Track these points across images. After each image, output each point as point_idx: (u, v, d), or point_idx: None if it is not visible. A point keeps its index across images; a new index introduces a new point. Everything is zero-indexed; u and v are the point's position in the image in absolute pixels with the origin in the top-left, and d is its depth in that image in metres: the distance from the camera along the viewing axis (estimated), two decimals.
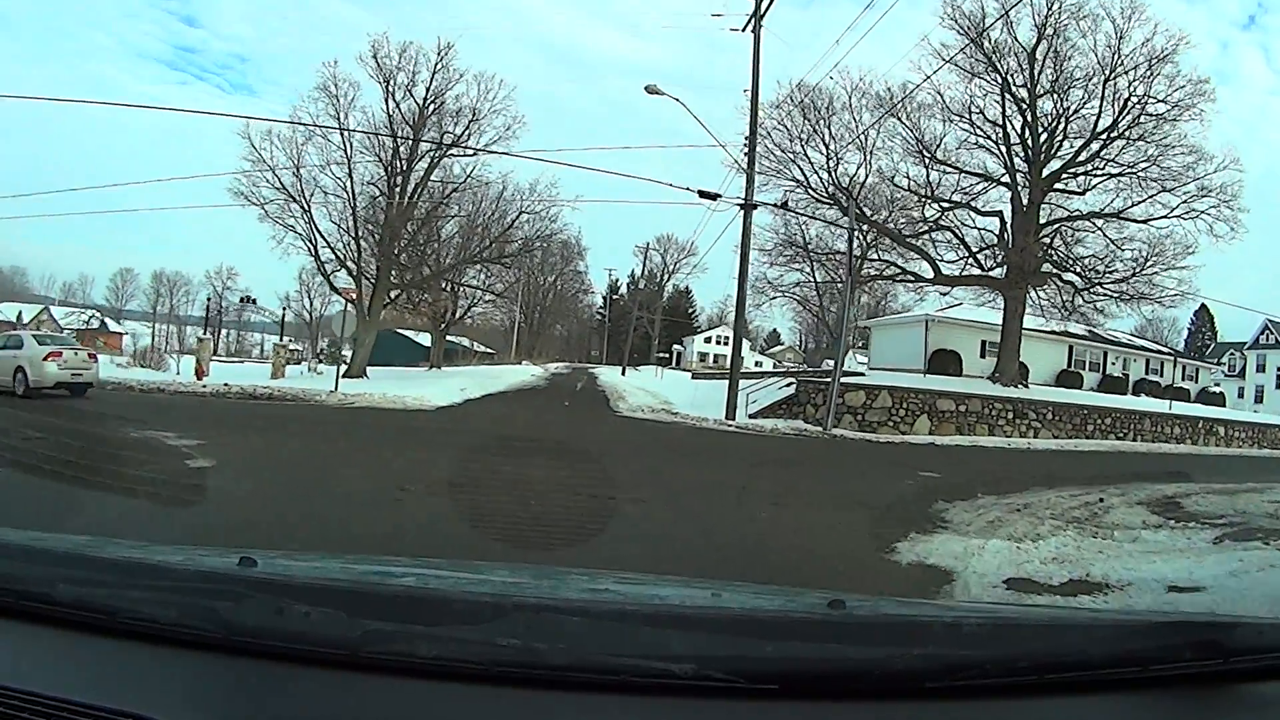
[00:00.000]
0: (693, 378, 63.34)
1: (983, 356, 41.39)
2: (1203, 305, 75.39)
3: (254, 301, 63.21)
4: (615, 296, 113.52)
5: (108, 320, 78.52)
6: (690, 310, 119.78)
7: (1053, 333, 41.43)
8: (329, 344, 60.24)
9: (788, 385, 33.59)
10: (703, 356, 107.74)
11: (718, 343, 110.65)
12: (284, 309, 58.87)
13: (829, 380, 29.11)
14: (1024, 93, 35.73)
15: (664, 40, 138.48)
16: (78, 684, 1.52)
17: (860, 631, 1.79)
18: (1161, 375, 51.12)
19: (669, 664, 1.51)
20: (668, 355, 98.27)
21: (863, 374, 38.36)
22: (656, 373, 73.10)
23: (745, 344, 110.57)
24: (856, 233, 40.91)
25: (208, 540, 6.20)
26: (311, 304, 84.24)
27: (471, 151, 40.79)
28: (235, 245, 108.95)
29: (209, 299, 71.47)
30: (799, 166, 37.33)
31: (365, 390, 28.45)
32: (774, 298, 58.11)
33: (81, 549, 2.06)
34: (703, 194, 30.31)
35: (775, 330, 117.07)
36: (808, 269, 54.69)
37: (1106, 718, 1.61)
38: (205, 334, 41.68)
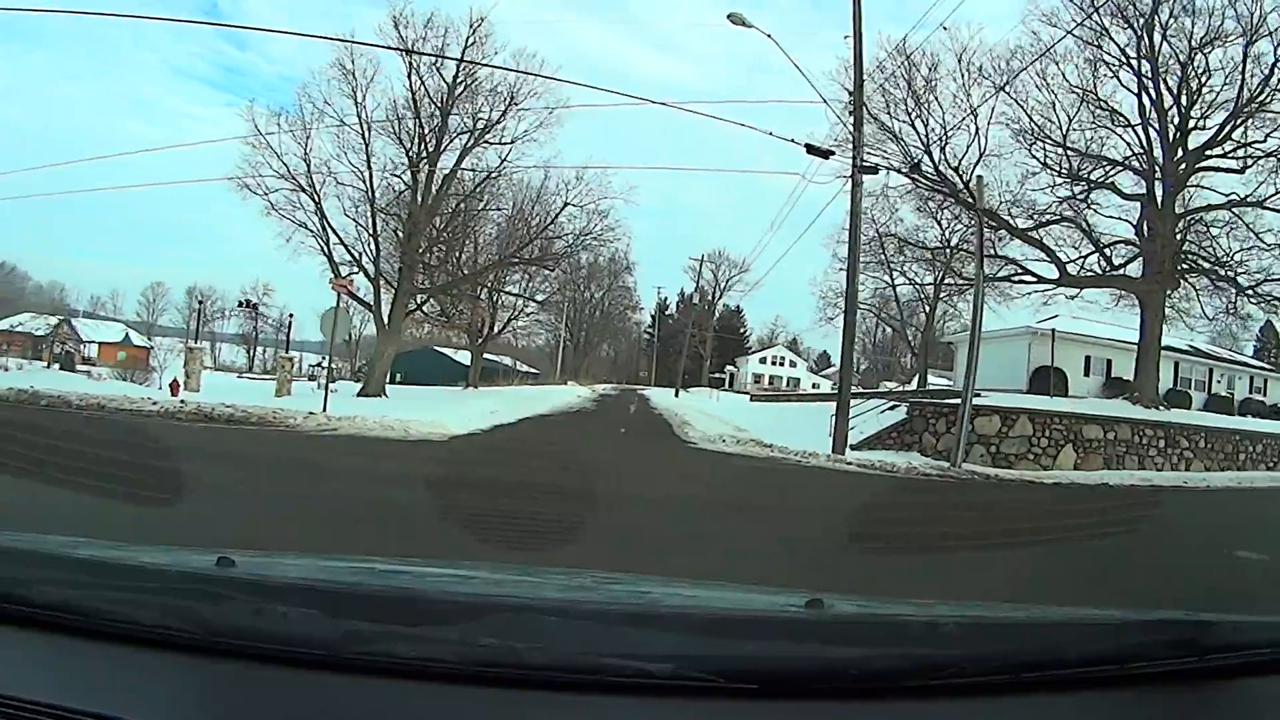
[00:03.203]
0: (751, 400, 61.81)
1: (1086, 374, 37.75)
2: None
3: (255, 306, 59.12)
4: (665, 315, 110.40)
5: (133, 333, 74.92)
6: (742, 330, 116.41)
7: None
8: (364, 363, 56.23)
9: (890, 408, 28.57)
10: (757, 378, 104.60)
11: (774, 363, 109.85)
12: (289, 317, 54.99)
13: (948, 403, 25.07)
14: (1148, 65, 30.60)
15: (706, 62, 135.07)
16: (53, 687, 1.49)
17: (839, 631, 1.82)
18: (1265, 394, 45.86)
19: (648, 663, 1.51)
20: (721, 376, 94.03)
21: (980, 395, 33.19)
22: (711, 394, 70.72)
23: (802, 365, 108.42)
24: (956, 224, 37.67)
25: None
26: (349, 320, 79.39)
27: (508, 140, 35.57)
28: (271, 261, 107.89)
29: (238, 303, 67.62)
30: (902, 143, 32.13)
31: (365, 413, 22.45)
32: (843, 313, 54.33)
33: (57, 549, 2.05)
34: (811, 149, 24.71)
35: (825, 352, 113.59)
36: (885, 276, 51.92)
37: (1084, 715, 1.62)
38: (197, 344, 36.70)
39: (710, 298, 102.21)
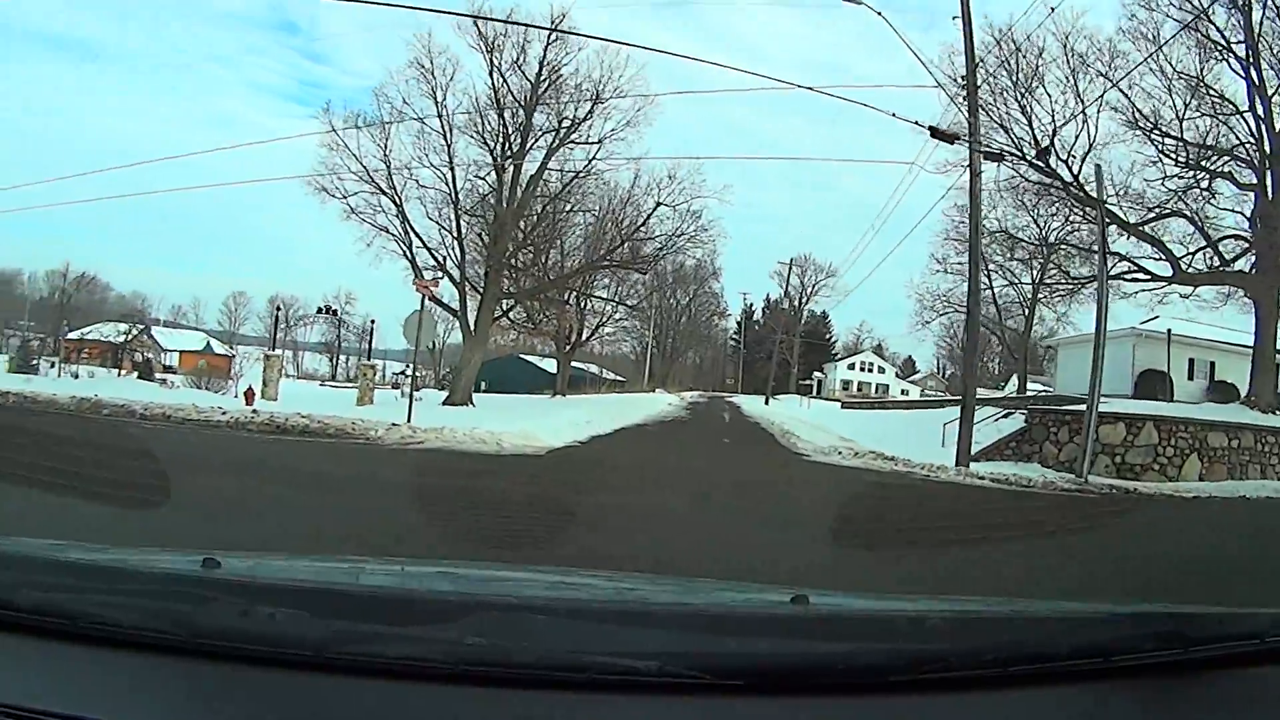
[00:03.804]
0: (842, 407, 61.23)
1: (1190, 378, 36.11)
2: None
3: (335, 312, 57.82)
4: (751, 321, 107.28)
5: (214, 342, 75.05)
6: (828, 336, 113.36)
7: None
8: (448, 371, 54.89)
9: (1004, 416, 26.85)
10: (845, 384, 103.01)
11: (862, 369, 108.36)
12: (372, 323, 53.85)
13: (1069, 410, 23.79)
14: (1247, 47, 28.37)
15: (783, 70, 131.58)
16: (37, 691, 1.47)
17: (824, 627, 1.81)
18: None
19: (634, 661, 1.51)
20: (809, 383, 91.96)
21: (1108, 401, 31.04)
22: (801, 402, 68.54)
23: (890, 371, 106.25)
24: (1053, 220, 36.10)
25: None
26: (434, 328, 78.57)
27: (594, 140, 34.27)
28: (353, 271, 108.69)
29: (318, 309, 66.73)
30: (1011, 134, 30.39)
31: (452, 424, 20.55)
32: (943, 314, 52.77)
33: (41, 552, 2.03)
34: (936, 132, 22.99)
35: (910, 357, 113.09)
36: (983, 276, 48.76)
37: (1070, 708, 1.62)
38: (275, 352, 35.35)
39: (798, 303, 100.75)
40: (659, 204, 36.08)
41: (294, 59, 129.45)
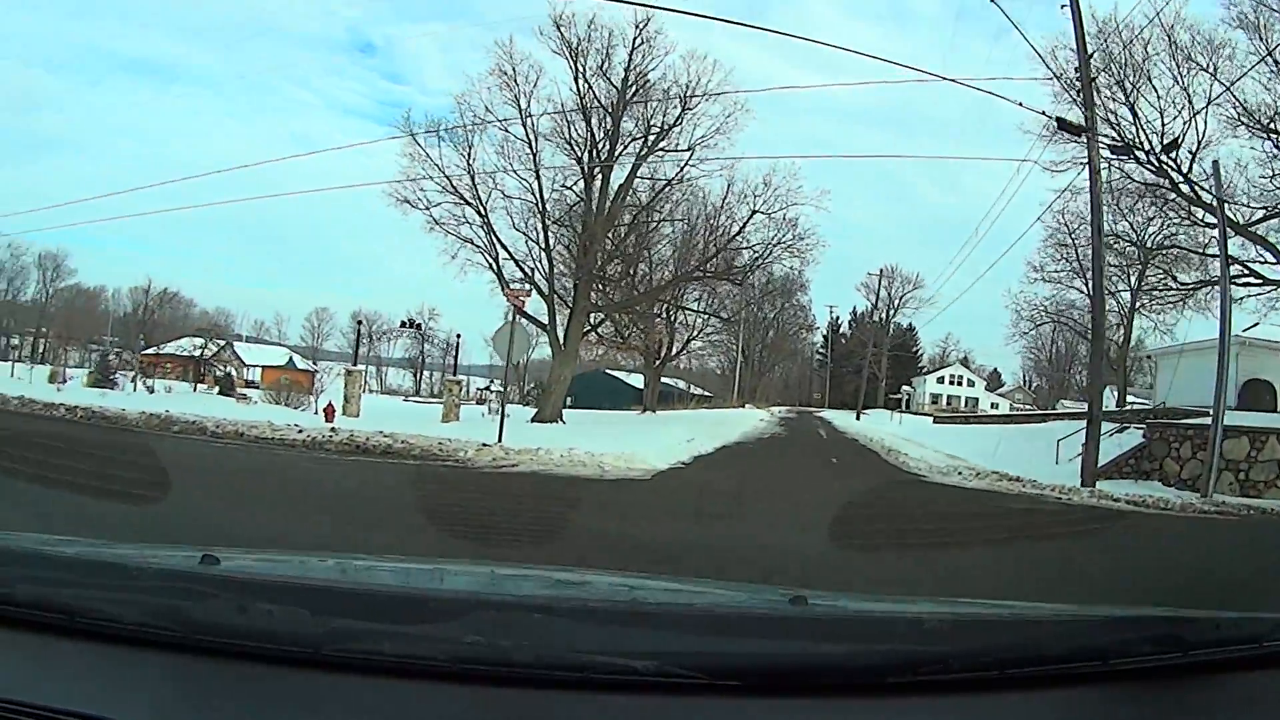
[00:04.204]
0: (934, 422, 60.19)
1: None
2: None
3: (418, 326, 56.73)
4: (837, 334, 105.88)
5: (296, 357, 75.08)
6: (915, 349, 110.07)
7: None
8: (533, 386, 53.70)
9: (1117, 431, 25.67)
10: (935, 398, 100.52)
11: (951, 383, 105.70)
12: (458, 337, 52.72)
13: (1190, 424, 22.70)
14: None
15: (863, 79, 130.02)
16: (36, 687, 1.47)
17: (822, 628, 1.80)
18: None
19: (632, 661, 1.50)
20: (898, 397, 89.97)
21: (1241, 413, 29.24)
22: (891, 417, 67.73)
23: (980, 384, 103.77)
24: (1156, 221, 34.58)
25: None
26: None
27: (684, 148, 32.96)
28: (436, 287, 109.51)
29: (401, 323, 66.07)
30: (1118, 130, 28.00)
31: (546, 443, 18.94)
32: (1040, 323, 51.29)
33: (40, 547, 2.04)
34: (1063, 124, 21.83)
35: (996, 369, 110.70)
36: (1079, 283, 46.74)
37: (1067, 711, 1.62)
38: (357, 367, 34.21)
39: (885, 316, 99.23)
40: (754, 211, 34.41)
41: (373, 79, 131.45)
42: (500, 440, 18.77)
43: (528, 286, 31.56)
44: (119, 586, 1.67)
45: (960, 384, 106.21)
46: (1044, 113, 21.75)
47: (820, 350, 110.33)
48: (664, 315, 44.85)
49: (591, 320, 35.27)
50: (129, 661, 1.54)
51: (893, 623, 1.92)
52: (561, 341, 32.98)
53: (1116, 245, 36.71)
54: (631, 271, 37.20)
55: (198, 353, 46.34)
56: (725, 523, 11.44)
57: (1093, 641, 1.70)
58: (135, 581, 1.71)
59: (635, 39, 32.07)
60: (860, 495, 17.06)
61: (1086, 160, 22.67)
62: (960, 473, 22.67)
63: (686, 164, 33.33)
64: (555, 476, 15.78)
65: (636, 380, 58.01)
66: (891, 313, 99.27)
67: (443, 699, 1.48)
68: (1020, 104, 22.08)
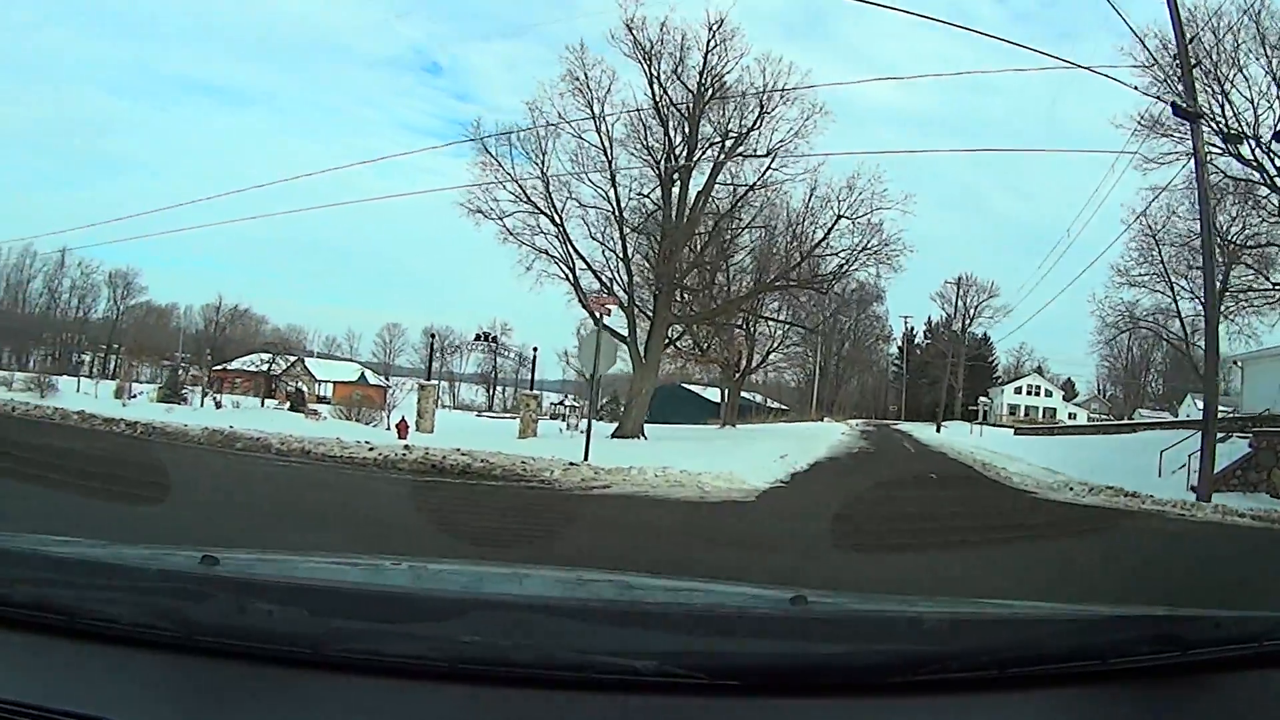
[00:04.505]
0: (1015, 433, 59.43)
1: None
2: None
3: (494, 339, 55.76)
4: (913, 345, 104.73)
5: (368, 373, 75.10)
6: (990, 359, 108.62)
7: None
8: (608, 400, 52.58)
9: (1220, 440, 23.35)
10: (1012, 409, 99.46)
11: (1028, 393, 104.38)
12: (534, 350, 52.30)
13: None
14: None
15: (923, 87, 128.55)
16: (36, 687, 1.47)
17: (822, 627, 1.79)
18: None
19: (632, 661, 1.49)
20: (975, 408, 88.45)
21: None
22: (971, 429, 67.59)
23: (1057, 394, 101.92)
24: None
25: None
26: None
27: (763, 153, 32.16)
28: (508, 303, 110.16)
29: (476, 335, 65.63)
30: (1215, 122, 26.30)
31: (637, 461, 17.55)
32: (1124, 331, 49.83)
33: (39, 547, 2.01)
34: (1179, 110, 20.28)
35: (1070, 379, 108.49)
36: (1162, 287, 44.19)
37: (1066, 710, 1.61)
38: (430, 382, 33.39)
39: (961, 326, 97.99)
40: (839, 216, 33.06)
41: (440, 98, 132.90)
42: (587, 459, 17.52)
43: (615, 294, 31.13)
44: (118, 587, 1.65)
45: (1037, 394, 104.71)
46: (1158, 98, 20.83)
47: (895, 361, 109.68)
48: (744, 326, 43.72)
49: (672, 332, 34.54)
50: (128, 662, 1.52)
51: (892, 622, 1.89)
52: (642, 354, 32.15)
53: (1195, 244, 35.55)
54: (712, 280, 36.22)
55: (266, 367, 46.04)
56: (853, 549, 9.82)
57: (1092, 641, 1.69)
58: (135, 582, 1.70)
59: (709, 41, 31.52)
60: (980, 517, 15.84)
61: (1187, 153, 22.06)
62: (1071, 488, 21.57)
63: (768, 168, 32.48)
64: (653, 500, 14.39)
65: (711, 394, 57.88)
66: (967, 322, 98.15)
67: (442, 699, 1.47)
68: (1135, 88, 21.03)
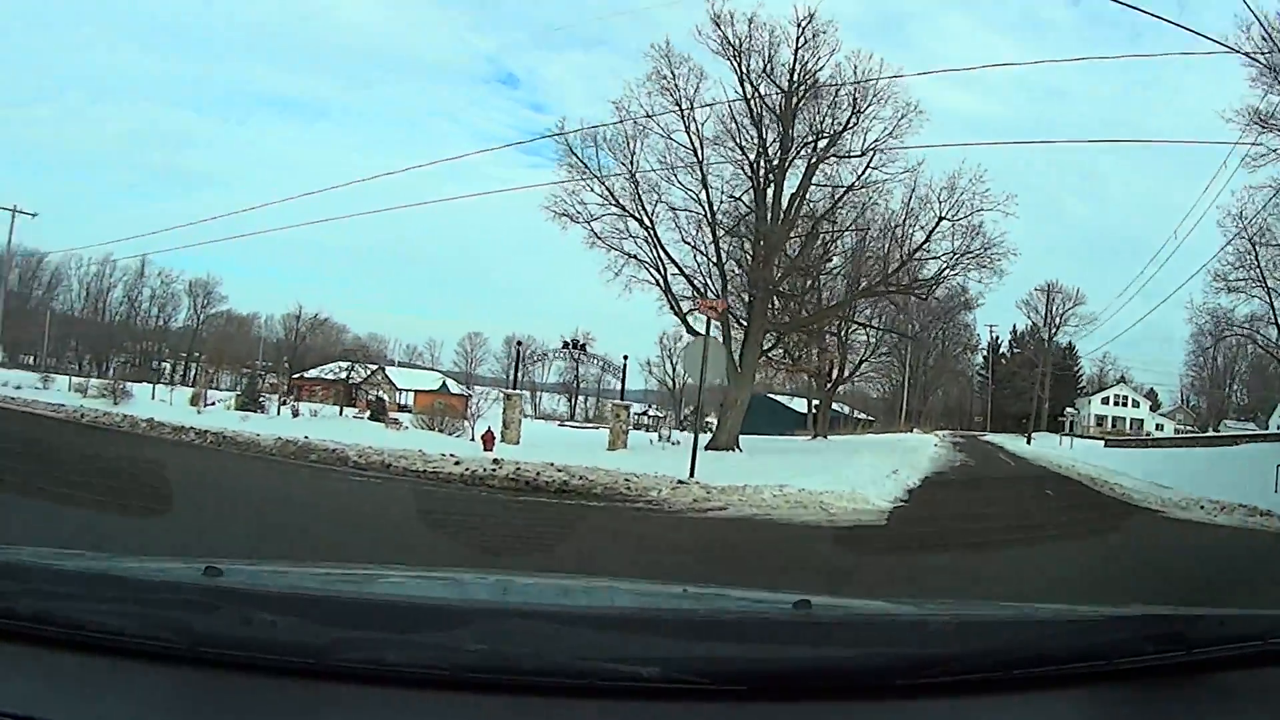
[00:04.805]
0: (1105, 445, 57.95)
1: None
2: None
3: (582, 346, 54.47)
4: (998, 355, 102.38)
5: (450, 382, 74.52)
6: (1075, 368, 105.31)
7: None
8: (692, 410, 51.55)
9: None
10: (1099, 420, 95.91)
11: (1115, 403, 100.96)
12: (624, 359, 50.88)
13: None
14: None
15: (998, 92, 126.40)
16: (40, 700, 1.46)
17: (826, 631, 1.78)
18: None
19: (636, 667, 1.49)
20: (1063, 419, 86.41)
21: None
22: (1060, 441, 66.99)
23: (1144, 405, 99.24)
24: None
25: None
26: (674, 369, 76.97)
27: (857, 153, 30.67)
28: (591, 312, 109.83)
29: (562, 343, 64.86)
30: None
31: (745, 481, 16.05)
32: (1221, 337, 48.12)
33: (43, 561, 1.99)
34: None
35: (1152, 389, 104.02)
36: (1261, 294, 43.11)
37: (1072, 711, 1.61)
38: (515, 391, 32.36)
39: (1047, 335, 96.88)
40: (940, 218, 31.21)
41: (517, 109, 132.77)
42: (693, 475, 16.20)
43: (724, 298, 29.94)
44: (122, 600, 1.64)
45: (1124, 405, 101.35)
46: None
47: (980, 371, 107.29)
48: (837, 334, 42.25)
49: (770, 339, 33.34)
50: (133, 675, 1.51)
51: (896, 625, 1.91)
52: (737, 363, 30.68)
53: None
54: (810, 285, 34.72)
55: (345, 376, 45.59)
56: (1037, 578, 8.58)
57: (1096, 641, 1.69)
58: (138, 594, 1.68)
59: (798, 38, 30.15)
60: (1136, 547, 13.96)
61: None
62: (1202, 506, 19.99)
63: (866, 168, 30.90)
64: (778, 523, 13.01)
65: (797, 404, 57.27)
66: (1053, 331, 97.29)
67: (446, 708, 1.47)
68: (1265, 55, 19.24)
